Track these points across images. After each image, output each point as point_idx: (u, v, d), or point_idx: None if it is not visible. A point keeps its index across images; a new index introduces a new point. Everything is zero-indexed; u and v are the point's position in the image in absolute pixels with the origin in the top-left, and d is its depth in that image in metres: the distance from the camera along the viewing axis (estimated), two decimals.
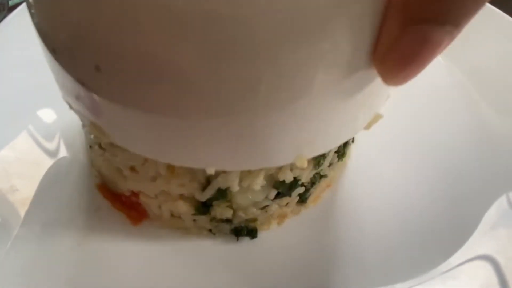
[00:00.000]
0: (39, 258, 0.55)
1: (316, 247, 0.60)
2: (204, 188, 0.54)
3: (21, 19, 0.81)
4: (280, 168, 0.54)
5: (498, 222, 0.62)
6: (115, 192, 0.61)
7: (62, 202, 0.60)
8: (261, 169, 0.53)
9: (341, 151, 0.63)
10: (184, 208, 0.56)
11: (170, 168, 0.52)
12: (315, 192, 0.63)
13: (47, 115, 0.69)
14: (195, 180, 0.53)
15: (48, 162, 0.64)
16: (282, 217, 0.62)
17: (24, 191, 0.60)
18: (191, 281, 0.56)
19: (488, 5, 0.98)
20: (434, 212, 0.64)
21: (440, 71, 0.85)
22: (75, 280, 0.54)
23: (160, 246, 0.59)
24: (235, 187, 0.53)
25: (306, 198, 0.62)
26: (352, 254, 0.60)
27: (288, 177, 0.55)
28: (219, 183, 0.52)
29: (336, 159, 0.62)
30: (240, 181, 0.53)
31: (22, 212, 0.58)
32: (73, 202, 0.61)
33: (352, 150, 0.71)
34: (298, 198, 0.60)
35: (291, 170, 0.55)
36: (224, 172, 0.52)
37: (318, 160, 0.57)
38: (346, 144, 0.64)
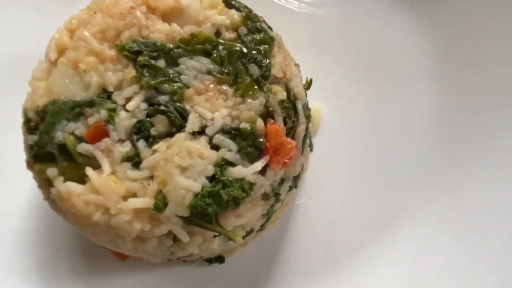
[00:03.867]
0: None
1: (279, 260, 0.73)
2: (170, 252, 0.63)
3: None
4: (233, 231, 0.61)
5: None
6: None
7: (62, 249, 0.73)
8: (215, 237, 0.61)
9: (293, 185, 0.68)
10: (157, 259, 0.66)
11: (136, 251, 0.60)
12: (271, 219, 0.71)
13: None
14: (158, 257, 0.62)
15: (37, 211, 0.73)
16: (244, 244, 0.72)
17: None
18: None
19: None
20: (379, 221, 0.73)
21: None
22: None
23: (144, 276, 0.72)
24: (195, 251, 0.62)
25: (264, 228, 0.70)
26: (312, 262, 0.72)
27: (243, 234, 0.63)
28: (181, 254, 0.61)
29: (289, 192, 0.68)
30: (199, 246, 0.61)
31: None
32: (71, 247, 0.73)
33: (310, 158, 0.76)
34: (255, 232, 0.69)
35: (242, 228, 0.62)
36: (183, 248, 0.60)
37: (267, 212, 0.63)
38: (298, 177, 0.69)
